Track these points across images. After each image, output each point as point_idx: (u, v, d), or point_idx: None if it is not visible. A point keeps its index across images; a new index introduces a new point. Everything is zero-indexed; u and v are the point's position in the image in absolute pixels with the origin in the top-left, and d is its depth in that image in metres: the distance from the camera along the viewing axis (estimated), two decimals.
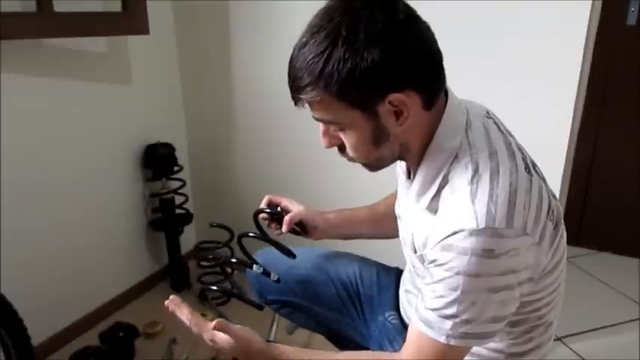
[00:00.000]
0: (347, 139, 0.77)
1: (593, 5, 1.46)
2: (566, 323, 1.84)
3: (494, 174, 0.71)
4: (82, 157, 1.75)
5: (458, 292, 0.69)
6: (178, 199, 2.04)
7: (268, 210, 1.10)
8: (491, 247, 0.67)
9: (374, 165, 0.82)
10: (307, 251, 1.21)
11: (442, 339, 0.72)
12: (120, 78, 1.89)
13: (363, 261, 1.21)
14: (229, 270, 1.55)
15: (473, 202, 0.69)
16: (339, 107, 0.72)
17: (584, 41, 1.48)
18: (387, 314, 1.07)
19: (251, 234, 1.09)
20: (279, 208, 1.12)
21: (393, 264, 1.19)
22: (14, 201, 1.53)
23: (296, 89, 0.73)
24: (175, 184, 2.02)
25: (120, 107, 1.88)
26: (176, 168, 2.02)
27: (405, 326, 1.02)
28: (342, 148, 0.80)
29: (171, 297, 0.81)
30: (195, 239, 2.30)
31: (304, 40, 0.71)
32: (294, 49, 0.73)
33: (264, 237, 1.10)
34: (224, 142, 2.16)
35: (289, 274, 1.16)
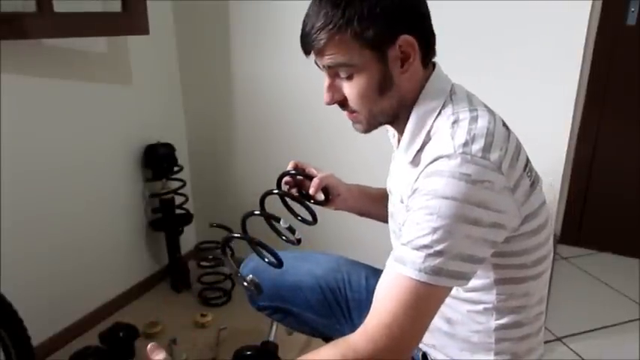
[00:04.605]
0: (354, 86, 0.80)
1: (593, 5, 1.46)
2: (566, 323, 1.85)
3: (473, 120, 0.76)
4: (82, 158, 1.75)
5: (434, 217, 0.70)
6: (178, 199, 2.04)
7: (294, 172, 1.08)
8: (468, 171, 0.70)
9: (371, 122, 0.85)
10: (296, 256, 1.20)
11: (414, 274, 0.71)
12: (120, 78, 1.89)
13: (352, 265, 1.19)
14: (229, 252, 1.49)
15: (452, 137, 0.74)
16: (354, 47, 0.76)
17: (584, 41, 1.48)
18: None
19: (236, 235, 1.03)
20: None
21: (383, 267, 1.18)
22: (15, 202, 1.53)
23: (316, 30, 0.77)
24: (175, 184, 2.02)
25: (120, 107, 1.88)
26: (176, 168, 2.02)
27: None
28: (343, 104, 0.84)
29: (149, 346, 0.75)
30: (195, 239, 2.30)
31: None
32: None
33: (248, 239, 1.01)
34: (224, 142, 2.16)
35: (279, 280, 1.15)
